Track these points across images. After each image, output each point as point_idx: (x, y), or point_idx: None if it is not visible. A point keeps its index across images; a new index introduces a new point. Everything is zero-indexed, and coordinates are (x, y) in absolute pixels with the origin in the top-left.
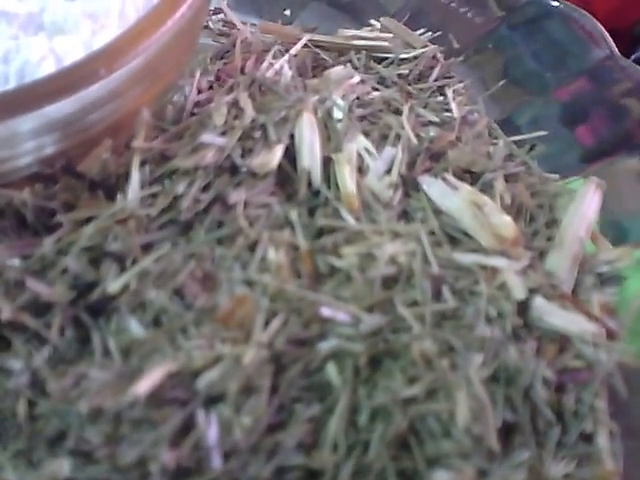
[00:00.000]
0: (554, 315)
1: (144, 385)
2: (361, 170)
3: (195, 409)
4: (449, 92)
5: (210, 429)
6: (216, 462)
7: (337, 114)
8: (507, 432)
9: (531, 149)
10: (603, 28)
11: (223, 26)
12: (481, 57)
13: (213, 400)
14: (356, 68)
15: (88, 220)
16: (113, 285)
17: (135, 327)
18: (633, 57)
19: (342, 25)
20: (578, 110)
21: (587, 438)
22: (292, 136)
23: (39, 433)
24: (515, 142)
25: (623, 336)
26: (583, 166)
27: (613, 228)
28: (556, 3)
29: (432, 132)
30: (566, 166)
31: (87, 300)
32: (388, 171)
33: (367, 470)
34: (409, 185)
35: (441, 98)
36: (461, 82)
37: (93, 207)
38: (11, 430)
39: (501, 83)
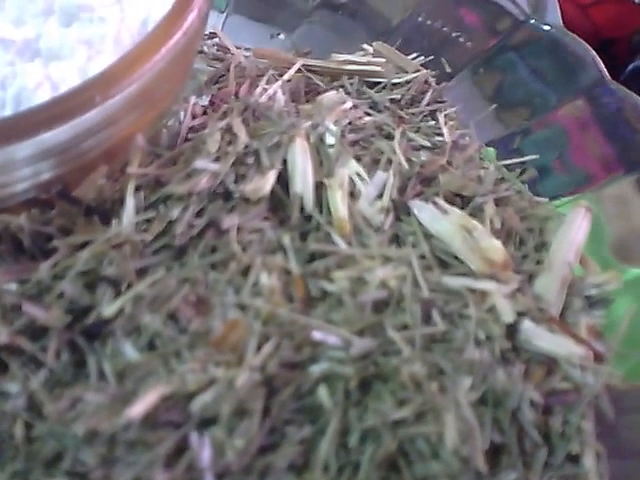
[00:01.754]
0: (542, 338)
1: (139, 408)
2: (353, 195)
3: (189, 431)
4: (440, 117)
5: (203, 451)
6: None
7: (329, 139)
8: (495, 453)
9: (522, 173)
10: (595, 53)
11: (217, 50)
12: (473, 81)
13: (206, 422)
14: (348, 93)
15: (84, 245)
16: (108, 309)
17: (130, 351)
18: (632, 66)
19: (335, 48)
20: (570, 132)
21: (574, 459)
22: (285, 161)
23: (36, 454)
24: (506, 166)
25: (610, 359)
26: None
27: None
28: (547, 27)
29: (423, 156)
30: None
31: (83, 324)
32: (379, 196)
33: None
34: (400, 209)
35: (433, 122)
36: (452, 107)
37: (89, 232)
38: (8, 451)
39: (492, 107)
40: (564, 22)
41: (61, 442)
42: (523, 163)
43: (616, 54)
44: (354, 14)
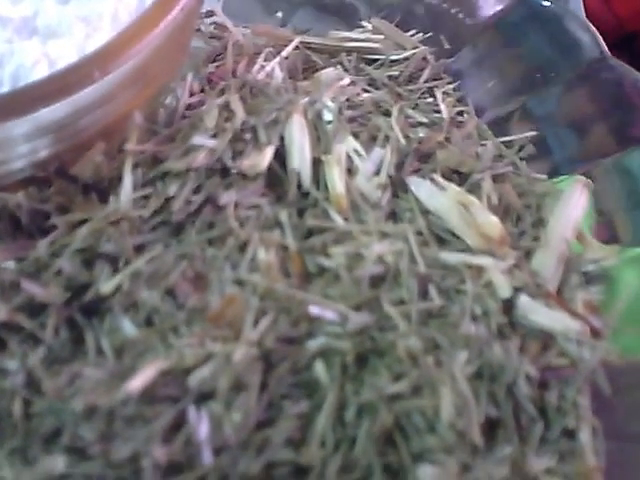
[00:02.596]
0: (538, 313)
1: (137, 383)
2: (350, 171)
3: (186, 406)
4: (439, 93)
5: (201, 425)
6: (207, 458)
7: (327, 116)
8: (490, 427)
9: (520, 149)
10: (595, 29)
11: (215, 29)
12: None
13: (204, 397)
14: (346, 70)
15: (81, 222)
16: (106, 286)
17: (128, 327)
18: None
19: (334, 27)
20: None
21: (569, 434)
22: (282, 138)
23: (34, 431)
24: (504, 142)
25: (608, 334)
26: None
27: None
28: (547, 3)
29: (421, 133)
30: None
31: (81, 301)
32: (377, 172)
33: (354, 465)
34: (397, 186)
35: (431, 99)
36: (450, 83)
37: (86, 209)
38: (7, 429)
39: (491, 84)
40: (586, 15)
41: (60, 418)
42: (522, 139)
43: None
44: None
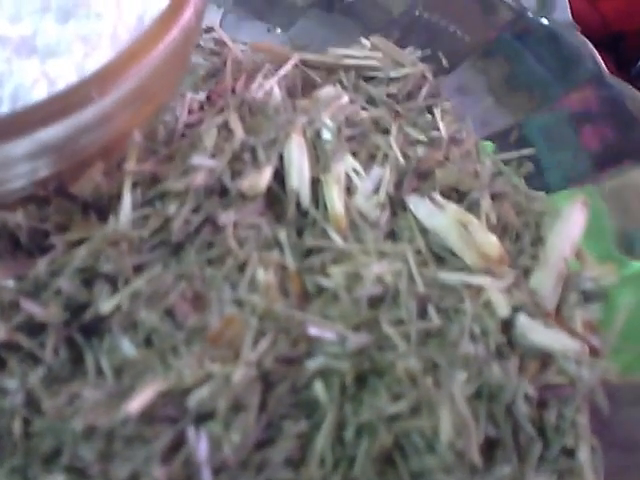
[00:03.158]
0: (537, 333)
1: (136, 403)
2: (349, 190)
3: (186, 426)
4: (437, 111)
5: (200, 445)
6: (206, 478)
7: (326, 135)
8: (489, 447)
9: (519, 167)
10: (592, 47)
11: (215, 45)
12: (470, 74)
13: (203, 417)
14: (345, 87)
15: (81, 242)
16: (105, 306)
17: (127, 347)
18: None
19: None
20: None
21: (569, 453)
22: (281, 157)
23: (34, 450)
24: (503, 160)
25: (606, 353)
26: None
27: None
28: (545, 21)
29: (420, 151)
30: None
31: (80, 320)
32: (376, 191)
33: None
34: (396, 205)
35: (429, 117)
36: (448, 101)
37: (86, 229)
38: (7, 447)
39: (489, 101)
40: (572, 15)
41: (59, 438)
42: (520, 157)
43: (626, 48)
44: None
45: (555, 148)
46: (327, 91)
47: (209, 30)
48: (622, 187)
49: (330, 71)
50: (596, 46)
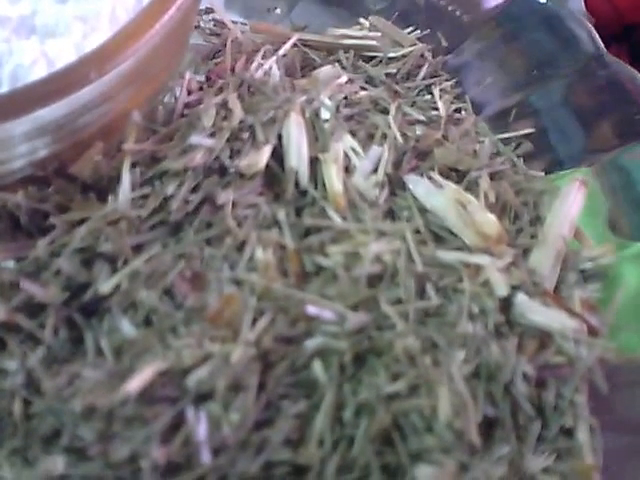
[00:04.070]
0: (536, 312)
1: (135, 383)
2: (348, 169)
3: (185, 406)
4: (436, 91)
5: (199, 426)
6: (205, 458)
7: (324, 114)
8: (488, 427)
9: (517, 147)
10: (592, 26)
11: (214, 25)
12: (469, 54)
13: (202, 397)
14: (344, 67)
15: (80, 222)
16: (105, 286)
17: (126, 327)
18: None
19: (333, 22)
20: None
21: (567, 433)
22: (280, 136)
23: (34, 431)
24: (502, 139)
25: (605, 332)
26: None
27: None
28: (543, 0)
29: (419, 131)
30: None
31: (80, 301)
32: (374, 170)
33: (352, 465)
34: (395, 184)
35: (429, 97)
36: (448, 80)
37: (85, 209)
38: (7, 429)
39: (488, 81)
40: (586, 7)
41: (59, 418)
42: (519, 137)
43: (638, 39)
44: None
45: (553, 129)
46: (326, 71)
47: (209, 11)
48: (616, 168)
49: (329, 51)
50: (610, 38)
